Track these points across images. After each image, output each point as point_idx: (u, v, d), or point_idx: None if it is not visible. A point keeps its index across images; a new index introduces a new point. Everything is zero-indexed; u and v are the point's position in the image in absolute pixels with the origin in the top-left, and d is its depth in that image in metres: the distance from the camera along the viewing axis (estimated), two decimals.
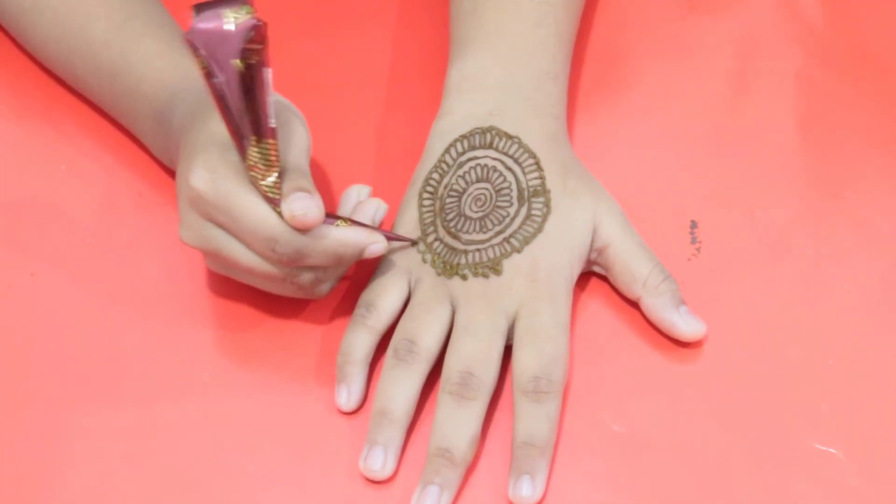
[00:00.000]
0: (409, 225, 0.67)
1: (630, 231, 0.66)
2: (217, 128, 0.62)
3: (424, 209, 0.67)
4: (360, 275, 0.68)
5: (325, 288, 0.66)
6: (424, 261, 0.66)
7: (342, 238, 0.62)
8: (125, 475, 0.63)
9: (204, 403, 0.65)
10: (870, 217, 0.70)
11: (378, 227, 0.65)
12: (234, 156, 0.61)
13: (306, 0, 0.81)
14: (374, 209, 0.65)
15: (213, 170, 0.61)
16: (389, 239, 0.65)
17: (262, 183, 0.60)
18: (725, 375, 0.64)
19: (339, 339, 0.65)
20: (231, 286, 0.68)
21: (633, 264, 0.66)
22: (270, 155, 0.60)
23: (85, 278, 0.70)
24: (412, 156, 0.70)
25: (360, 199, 0.66)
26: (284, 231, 0.61)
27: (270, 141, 0.59)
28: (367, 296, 0.66)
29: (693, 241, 0.69)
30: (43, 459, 0.63)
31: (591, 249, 0.66)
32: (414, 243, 0.66)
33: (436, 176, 0.67)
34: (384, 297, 0.65)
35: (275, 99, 0.61)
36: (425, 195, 0.67)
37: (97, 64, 0.71)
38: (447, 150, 0.68)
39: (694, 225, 0.70)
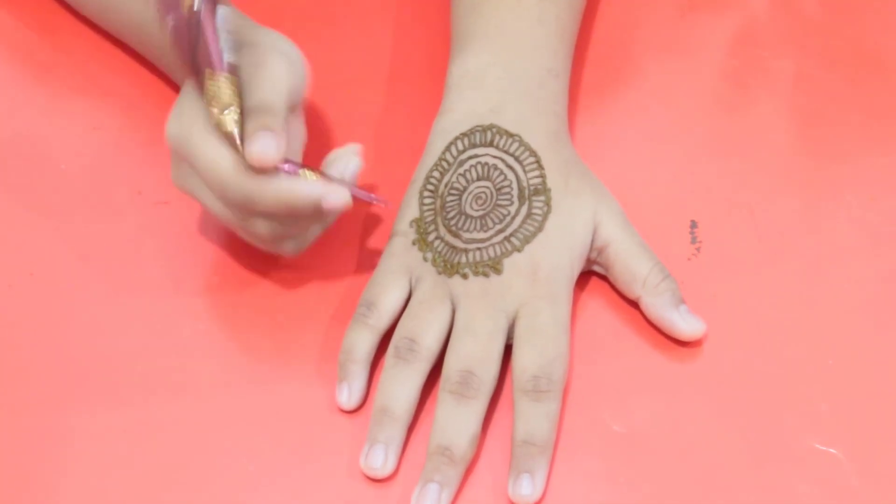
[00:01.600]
0: (409, 224, 0.67)
1: (630, 230, 0.66)
2: None
3: (425, 207, 0.67)
4: (362, 272, 0.68)
5: (291, 246, 0.65)
6: (425, 259, 0.66)
7: (292, 187, 0.61)
8: (125, 475, 0.63)
9: (204, 402, 0.65)
10: (870, 217, 0.70)
11: (345, 182, 0.63)
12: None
13: None
14: (343, 163, 0.64)
15: (180, 116, 0.62)
16: (357, 197, 0.63)
17: (220, 117, 0.61)
18: (725, 375, 0.64)
19: (340, 337, 0.65)
20: (231, 284, 0.68)
21: (632, 264, 0.66)
22: (228, 90, 0.60)
23: (85, 278, 0.69)
24: (413, 154, 0.70)
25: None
26: (232, 176, 0.61)
27: (226, 76, 0.60)
28: (367, 294, 0.65)
29: (693, 241, 0.69)
30: (42, 459, 0.63)
31: (591, 249, 0.66)
32: (384, 204, 0.65)
33: (436, 174, 0.67)
34: (385, 295, 0.65)
35: (257, 37, 0.63)
36: (426, 193, 0.67)
37: (128, 16, 0.74)
38: (447, 148, 0.68)
39: (694, 225, 0.70)
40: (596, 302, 0.67)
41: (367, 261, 0.68)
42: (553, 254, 0.65)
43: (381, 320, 0.65)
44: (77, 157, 0.75)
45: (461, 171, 0.67)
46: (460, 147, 0.67)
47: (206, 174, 0.62)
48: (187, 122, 0.62)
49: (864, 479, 0.61)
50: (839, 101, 0.75)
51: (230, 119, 0.61)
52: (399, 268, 0.66)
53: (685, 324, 0.65)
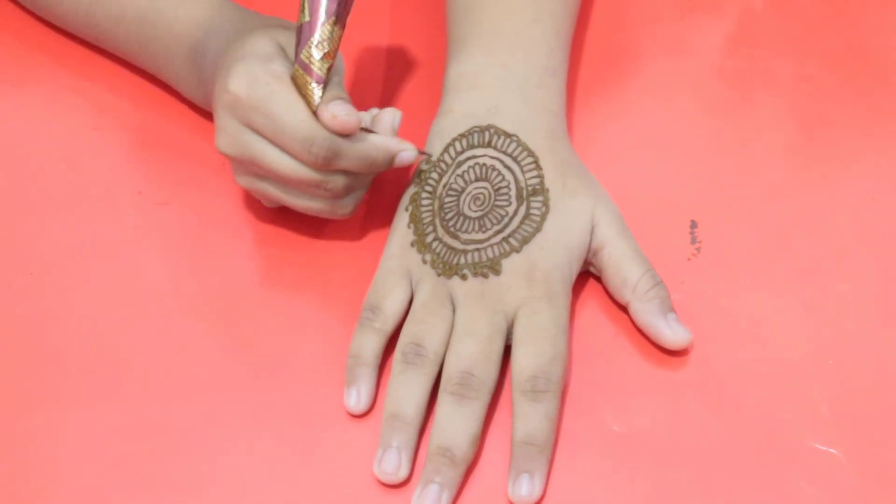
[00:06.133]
0: (407, 225, 0.67)
1: (625, 234, 0.66)
2: (258, 43, 0.65)
3: (423, 208, 0.67)
4: (363, 273, 0.68)
5: (349, 204, 0.67)
6: (424, 261, 0.66)
7: (376, 142, 0.65)
8: (125, 475, 0.63)
9: (207, 404, 0.65)
10: (870, 217, 0.70)
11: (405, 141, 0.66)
12: (275, 66, 0.64)
13: None
14: (391, 117, 0.67)
15: (252, 75, 0.63)
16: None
17: (321, 63, 0.63)
18: (725, 375, 0.64)
19: (345, 340, 0.65)
20: (231, 285, 0.68)
21: (624, 268, 0.65)
22: (335, 42, 0.63)
23: (85, 278, 0.69)
24: None
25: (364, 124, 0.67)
26: (321, 130, 0.63)
27: (340, 30, 0.63)
28: (370, 298, 0.65)
29: (693, 241, 0.69)
30: (42, 459, 0.63)
31: (588, 249, 0.66)
32: (429, 156, 0.68)
33: (434, 175, 0.67)
34: (388, 299, 0.65)
35: None
36: (424, 195, 0.67)
37: (122, 12, 0.73)
38: (446, 149, 0.68)
39: (694, 225, 0.70)
40: (595, 302, 0.67)
41: (368, 261, 0.68)
42: (551, 254, 0.65)
43: (387, 323, 0.65)
44: (77, 157, 0.75)
45: (459, 172, 0.67)
46: (458, 148, 0.67)
47: (291, 131, 0.63)
48: (264, 79, 0.63)
49: (864, 479, 0.61)
50: (839, 102, 0.75)
51: (325, 68, 0.63)
52: (399, 270, 0.66)
53: (671, 332, 0.64)
